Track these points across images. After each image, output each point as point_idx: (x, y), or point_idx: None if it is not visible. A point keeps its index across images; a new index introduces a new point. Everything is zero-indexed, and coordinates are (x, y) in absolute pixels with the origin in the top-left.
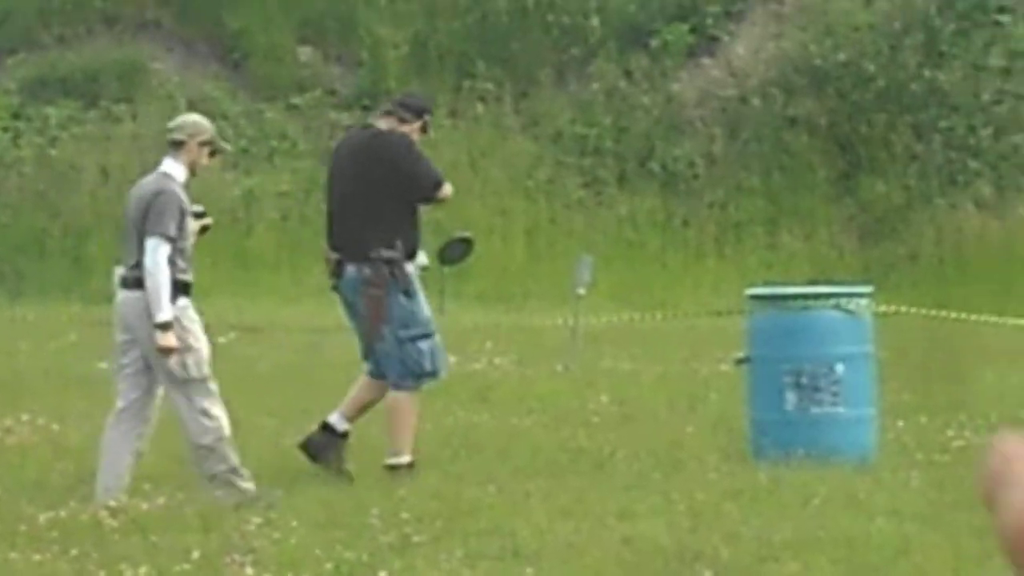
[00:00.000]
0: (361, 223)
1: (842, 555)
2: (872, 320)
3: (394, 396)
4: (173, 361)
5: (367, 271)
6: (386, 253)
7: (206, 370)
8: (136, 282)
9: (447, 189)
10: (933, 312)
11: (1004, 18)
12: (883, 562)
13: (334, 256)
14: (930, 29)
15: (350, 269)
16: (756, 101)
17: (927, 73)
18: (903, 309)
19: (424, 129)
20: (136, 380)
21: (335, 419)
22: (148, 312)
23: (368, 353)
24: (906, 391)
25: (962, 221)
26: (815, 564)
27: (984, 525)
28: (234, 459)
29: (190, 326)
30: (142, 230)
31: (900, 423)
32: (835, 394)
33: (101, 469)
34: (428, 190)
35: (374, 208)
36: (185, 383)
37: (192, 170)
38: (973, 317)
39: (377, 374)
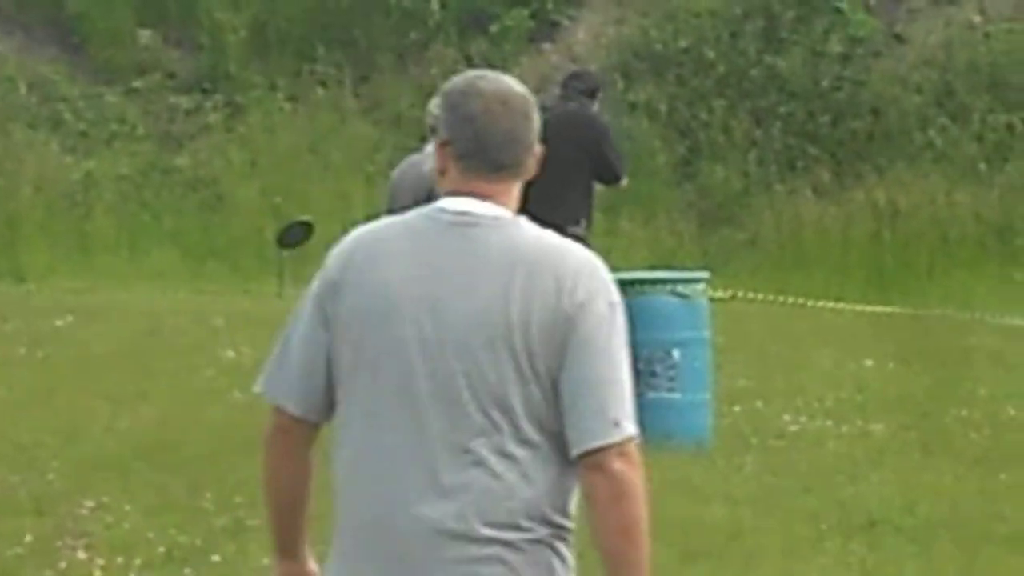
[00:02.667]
0: (553, 200)
1: (676, 539)
2: (709, 305)
3: None
4: None
5: None
6: (576, 230)
7: None
8: None
9: (625, 180)
10: (771, 297)
11: (843, 5)
12: (716, 546)
13: None
14: (770, 16)
15: None
16: None
17: (767, 59)
18: (740, 294)
19: (601, 106)
20: None
21: None
22: None
23: None
24: (743, 376)
25: (801, 207)
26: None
27: (816, 509)
28: None
29: None
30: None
31: (736, 408)
32: (671, 379)
33: None
34: (620, 171)
35: (565, 186)
36: None
37: None
38: (811, 303)
39: None
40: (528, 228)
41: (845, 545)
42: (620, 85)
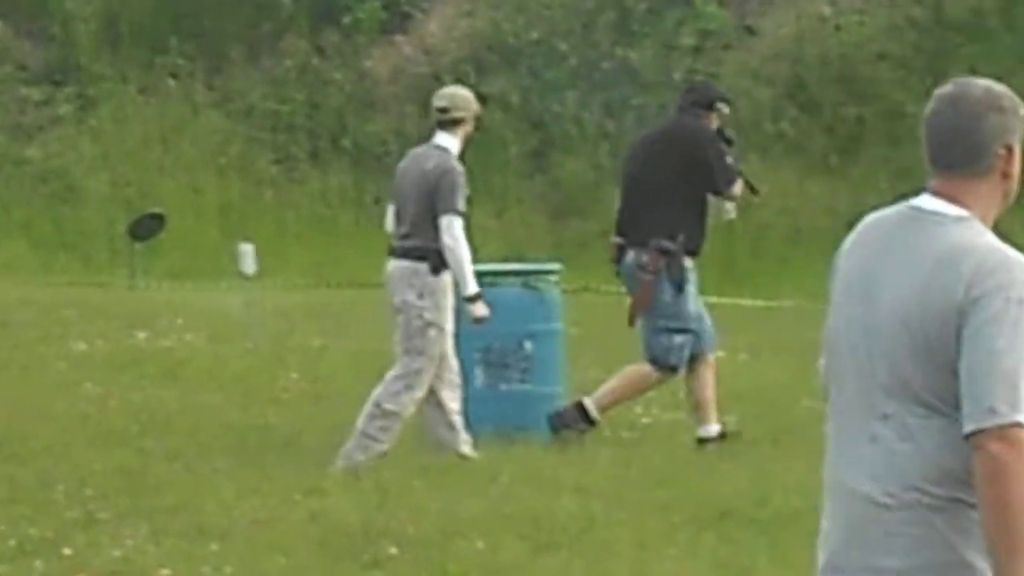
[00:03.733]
0: (649, 212)
1: (528, 531)
2: (561, 297)
3: (638, 367)
4: (416, 327)
5: (644, 258)
6: (666, 243)
7: (447, 347)
8: (404, 252)
9: (738, 187)
10: (623, 289)
11: None
12: (568, 539)
13: (617, 241)
14: (622, 8)
15: (630, 254)
16: (448, 79)
17: (619, 51)
18: (592, 286)
19: (721, 119)
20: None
21: (589, 402)
22: (409, 278)
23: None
24: (595, 368)
25: None
26: (501, 540)
27: (668, 501)
28: (391, 436)
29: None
30: (426, 205)
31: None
32: (524, 371)
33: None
34: (721, 184)
35: (663, 198)
36: (417, 353)
37: (465, 145)
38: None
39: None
40: (967, 227)
41: (697, 537)
42: (472, 77)
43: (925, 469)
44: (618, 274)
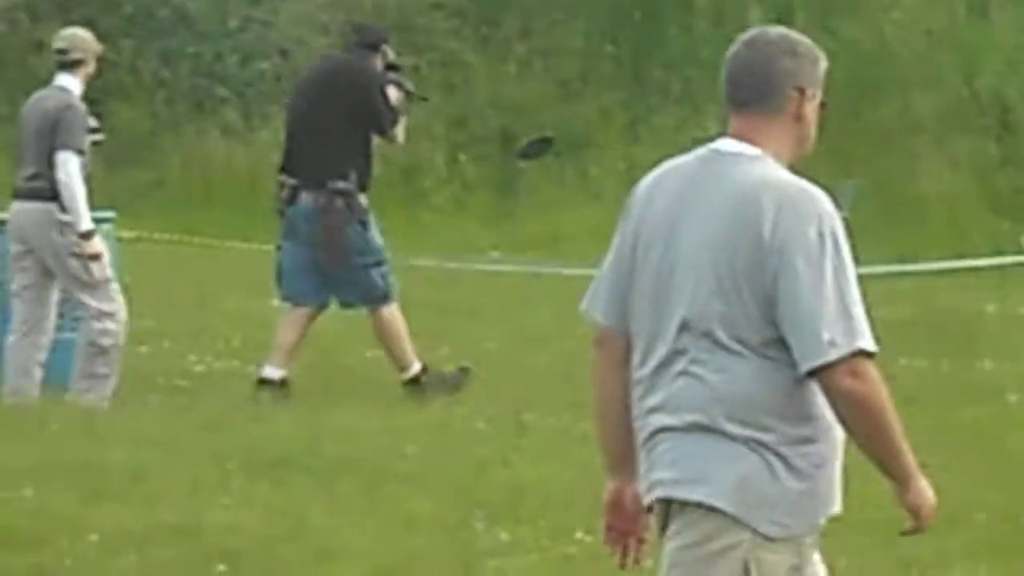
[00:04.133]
0: (320, 152)
1: (77, 481)
2: (116, 245)
3: (374, 318)
4: (77, 265)
5: (322, 200)
6: (342, 184)
7: (108, 272)
8: (32, 193)
9: (401, 132)
10: (178, 238)
11: None
12: (120, 488)
13: (290, 182)
14: None
15: (305, 197)
16: (2, 26)
17: (175, 1)
18: (147, 235)
19: (387, 65)
20: (34, 295)
21: (268, 371)
22: (47, 222)
23: (280, 278)
24: (149, 317)
25: (209, 147)
26: (51, 489)
27: (222, 449)
28: (117, 367)
29: None
30: (49, 144)
31: (143, 349)
32: (76, 319)
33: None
34: (386, 125)
35: (334, 138)
36: (90, 286)
37: (86, 85)
38: (219, 243)
39: (290, 296)
40: (762, 164)
41: (250, 485)
42: (26, 24)
43: (714, 403)
44: (282, 214)
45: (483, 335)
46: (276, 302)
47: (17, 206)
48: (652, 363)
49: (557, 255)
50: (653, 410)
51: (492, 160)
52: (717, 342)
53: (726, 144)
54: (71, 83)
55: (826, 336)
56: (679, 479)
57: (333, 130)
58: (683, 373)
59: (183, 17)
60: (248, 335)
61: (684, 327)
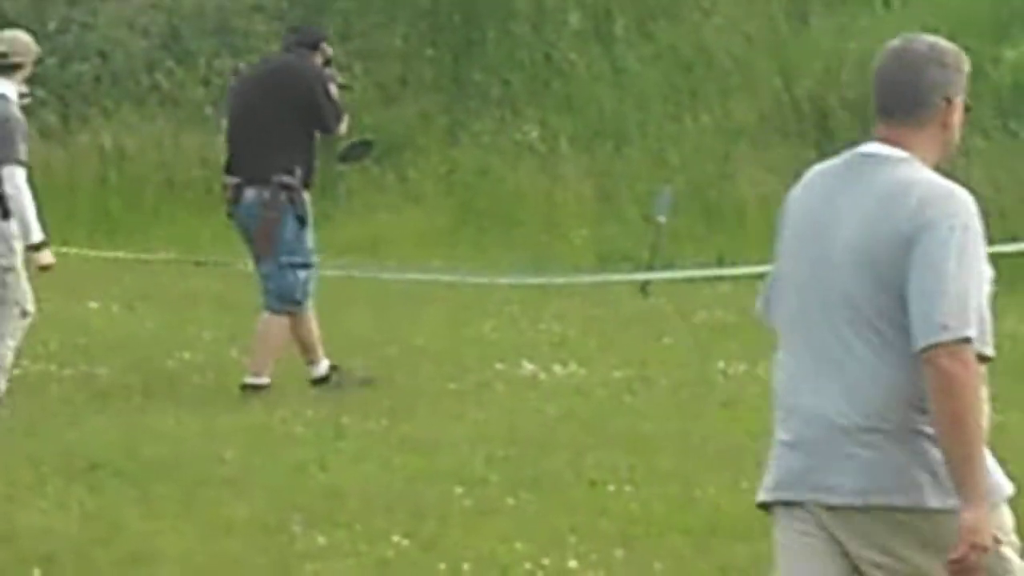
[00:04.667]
0: (264, 149)
1: None
2: None
3: (265, 318)
4: (7, 278)
5: (266, 195)
6: (287, 179)
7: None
8: None
9: (344, 125)
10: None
11: None
12: None
13: (233, 181)
14: None
15: (249, 192)
16: None
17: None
18: None
19: (326, 60)
20: None
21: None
22: None
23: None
24: None
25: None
26: None
27: (37, 453)
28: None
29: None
30: None
31: None
32: None
33: None
34: (331, 122)
35: (277, 135)
36: (1, 303)
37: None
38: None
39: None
40: (909, 165)
41: (66, 488)
42: None
43: (881, 394)
44: (231, 215)
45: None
46: (93, 304)
47: None
48: (808, 356)
49: (377, 259)
50: (812, 406)
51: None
52: (877, 332)
53: (874, 148)
54: (9, 89)
55: (940, 319)
56: (875, 486)
57: (277, 128)
58: (843, 365)
59: (0, 18)
60: (65, 338)
61: (841, 320)
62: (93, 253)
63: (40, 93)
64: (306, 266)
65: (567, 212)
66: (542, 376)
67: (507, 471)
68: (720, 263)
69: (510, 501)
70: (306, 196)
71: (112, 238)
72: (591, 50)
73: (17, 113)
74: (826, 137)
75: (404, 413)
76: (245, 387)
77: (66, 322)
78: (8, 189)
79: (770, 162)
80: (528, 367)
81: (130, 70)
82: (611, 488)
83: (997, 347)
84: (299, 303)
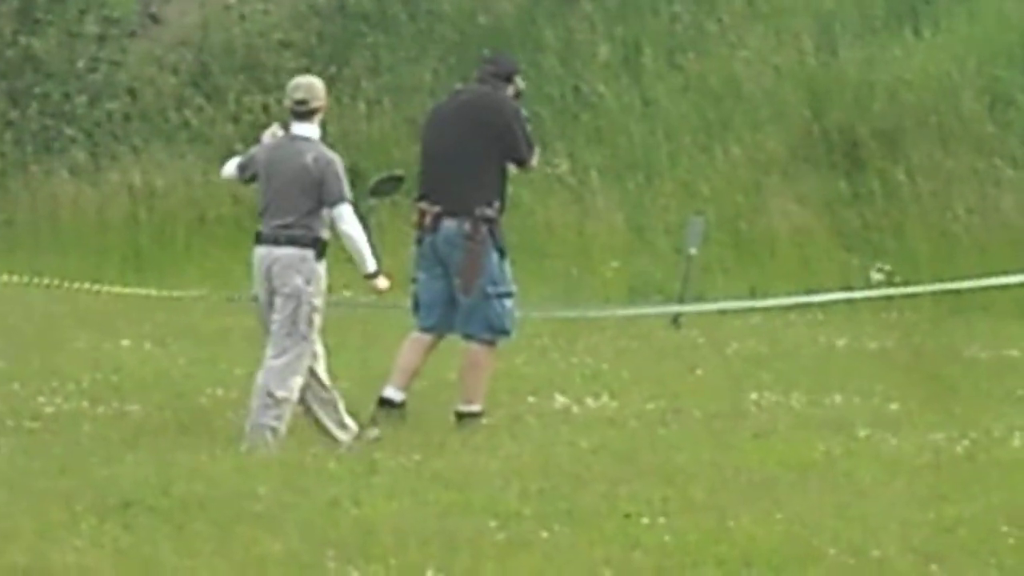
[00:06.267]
0: (465, 180)
1: None
2: None
3: (475, 349)
4: (305, 315)
5: (467, 226)
6: (488, 211)
7: (317, 337)
8: (289, 239)
9: (536, 158)
10: (27, 279)
11: None
12: None
13: (433, 209)
14: None
15: (449, 223)
16: None
17: (22, 40)
18: None
19: (517, 92)
20: None
21: (390, 392)
22: (296, 266)
23: (418, 307)
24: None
25: (57, 187)
26: None
27: (71, 490)
28: (286, 420)
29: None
30: (318, 195)
31: None
32: None
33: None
34: (526, 154)
35: (478, 167)
36: (303, 340)
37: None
38: (68, 284)
39: (431, 327)
40: None
41: (100, 526)
42: None
43: None
44: (420, 242)
45: (336, 373)
46: (126, 341)
47: (274, 251)
48: None
49: (408, 292)
50: None
51: None
52: None
53: None
54: (313, 132)
55: None
56: None
57: (477, 160)
58: None
59: (30, 57)
60: (97, 376)
61: None
62: (125, 290)
63: (70, 131)
64: (509, 295)
65: (598, 244)
66: (575, 409)
67: (541, 504)
68: (752, 294)
69: (544, 534)
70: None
71: (143, 275)
72: (620, 82)
73: (337, 156)
74: (856, 168)
75: (436, 448)
76: (460, 415)
77: (99, 360)
78: (345, 227)
79: (800, 193)
80: (560, 400)
81: (159, 108)
82: (645, 520)
83: None
84: (508, 332)
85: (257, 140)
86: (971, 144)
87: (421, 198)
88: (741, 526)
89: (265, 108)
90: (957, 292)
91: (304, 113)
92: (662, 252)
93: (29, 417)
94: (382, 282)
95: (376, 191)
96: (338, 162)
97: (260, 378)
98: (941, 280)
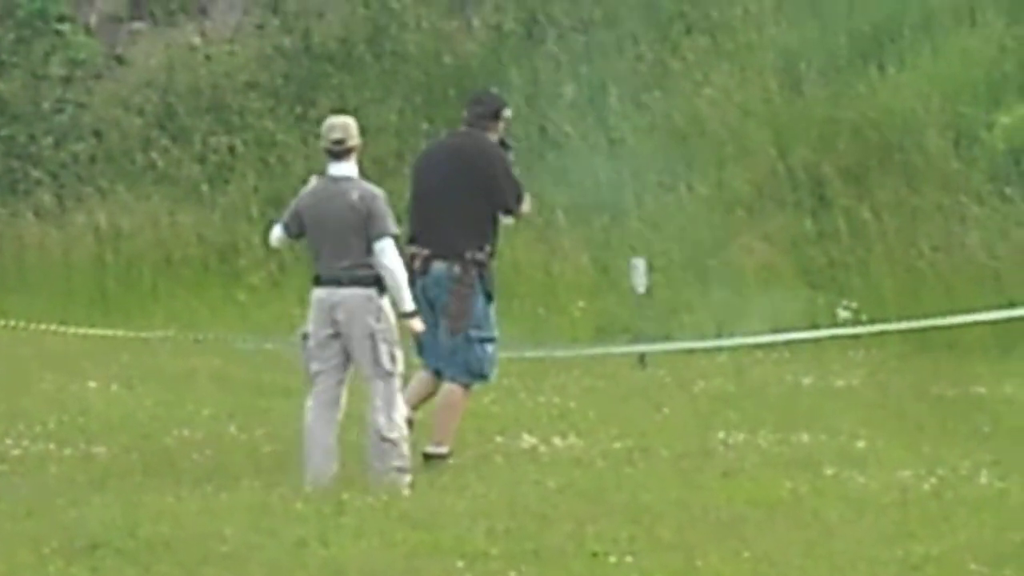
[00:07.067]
0: (455, 224)
1: None
2: None
3: (450, 388)
4: (385, 352)
5: (456, 269)
6: (479, 255)
7: (402, 366)
8: (352, 280)
9: (527, 205)
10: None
11: (64, 27)
12: None
13: (423, 253)
14: None
15: (438, 266)
16: None
17: None
18: None
19: (505, 128)
20: (336, 372)
21: (434, 449)
22: (364, 307)
23: (421, 350)
24: None
25: (23, 229)
26: None
27: (38, 533)
28: (408, 455)
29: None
30: (366, 233)
31: None
32: None
33: (310, 456)
34: (512, 203)
35: (467, 211)
36: (390, 375)
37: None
38: (33, 326)
39: (438, 370)
40: None
41: (67, 569)
42: None
43: None
44: (413, 283)
45: (301, 415)
46: (92, 383)
47: (341, 292)
48: None
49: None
50: None
51: None
52: None
53: None
54: (352, 170)
55: None
56: None
57: (466, 204)
58: None
59: None
60: (64, 418)
61: None
62: (91, 332)
63: (35, 173)
64: (491, 340)
65: (564, 284)
66: (542, 448)
67: (508, 544)
68: (718, 333)
69: (511, 574)
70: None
71: (109, 317)
72: (586, 122)
73: (381, 192)
74: (822, 205)
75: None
76: (428, 456)
77: (65, 401)
78: (386, 261)
79: (766, 231)
80: (528, 439)
81: (125, 149)
82: (612, 559)
83: (995, 412)
84: (486, 376)
85: (226, 181)
86: (936, 181)
87: (411, 241)
88: (709, 565)
89: (231, 149)
90: (923, 330)
91: (342, 152)
92: (628, 292)
93: None
94: (417, 324)
95: None
96: (382, 196)
97: (368, 426)
98: (907, 317)
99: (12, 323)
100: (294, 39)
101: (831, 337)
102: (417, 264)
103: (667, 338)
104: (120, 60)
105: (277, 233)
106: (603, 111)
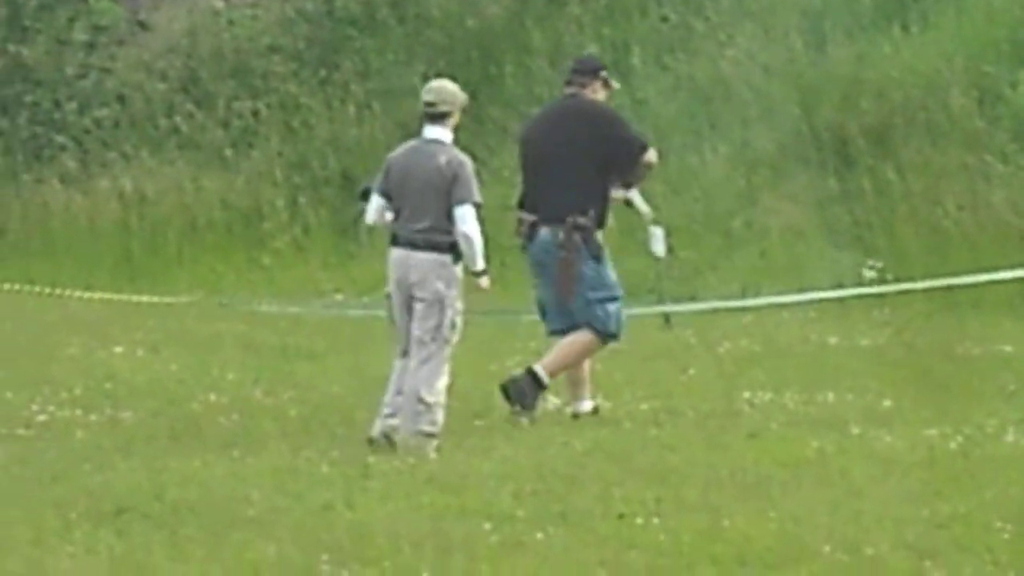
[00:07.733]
0: (561, 189)
1: None
2: None
3: (585, 332)
4: (449, 318)
5: (561, 236)
6: (581, 219)
7: (459, 336)
8: (428, 244)
9: (652, 154)
10: (19, 287)
11: None
12: None
13: (529, 218)
14: (13, 4)
15: (544, 232)
16: None
17: (11, 48)
18: None
19: (607, 85)
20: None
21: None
22: (436, 272)
23: (544, 313)
24: None
25: (48, 195)
26: None
27: (64, 498)
28: (440, 422)
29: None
30: (449, 197)
31: None
32: None
33: (395, 407)
34: (634, 154)
35: (573, 176)
36: (446, 342)
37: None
38: (60, 291)
39: (558, 330)
40: None
41: (94, 533)
42: None
43: None
44: (524, 248)
45: (326, 378)
46: (118, 348)
47: (415, 255)
48: None
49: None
50: None
51: (333, 202)
52: None
53: None
54: (444, 135)
55: None
56: None
57: (574, 170)
58: None
59: (19, 65)
60: (90, 383)
61: None
62: (117, 297)
63: (60, 139)
64: (613, 299)
65: None
66: (568, 410)
67: (535, 506)
68: (743, 293)
69: (538, 536)
70: (599, 235)
71: (135, 282)
72: None
73: (468, 158)
74: (846, 165)
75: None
76: (534, 375)
77: (91, 367)
78: (466, 228)
79: (791, 191)
80: (554, 401)
81: (149, 114)
82: (639, 521)
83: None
84: (615, 335)
85: (250, 145)
86: (961, 140)
87: (520, 206)
88: (735, 525)
89: (255, 113)
90: (949, 288)
91: (436, 116)
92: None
93: (22, 425)
94: (485, 281)
95: (367, 195)
96: (469, 164)
97: (405, 384)
98: (932, 276)
99: (38, 288)
100: (317, 2)
101: (856, 296)
102: (524, 229)
103: (692, 299)
104: (143, 25)
105: (374, 203)
106: (627, 73)
